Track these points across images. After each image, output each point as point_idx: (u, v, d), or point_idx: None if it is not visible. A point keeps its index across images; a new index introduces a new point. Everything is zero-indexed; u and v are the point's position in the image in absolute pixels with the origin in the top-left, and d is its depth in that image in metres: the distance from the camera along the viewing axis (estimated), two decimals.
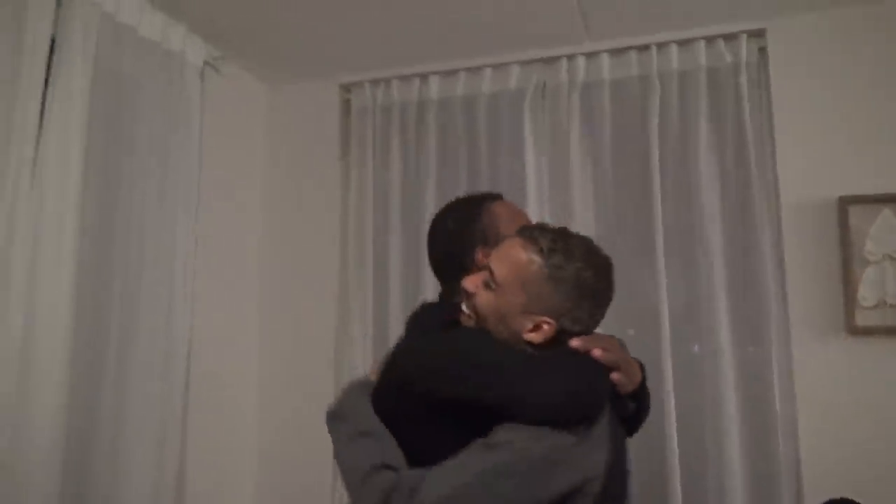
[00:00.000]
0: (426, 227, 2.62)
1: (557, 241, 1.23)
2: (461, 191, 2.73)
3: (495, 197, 1.52)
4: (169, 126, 2.37)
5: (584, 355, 1.18)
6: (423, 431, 1.18)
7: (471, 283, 1.27)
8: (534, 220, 2.45)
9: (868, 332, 2.26)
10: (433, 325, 1.34)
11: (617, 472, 1.17)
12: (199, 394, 2.48)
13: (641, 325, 2.51)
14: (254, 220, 2.96)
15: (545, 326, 1.20)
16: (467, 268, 1.35)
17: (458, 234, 1.43)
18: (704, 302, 2.44)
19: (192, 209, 2.44)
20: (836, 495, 2.03)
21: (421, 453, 1.15)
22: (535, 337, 1.21)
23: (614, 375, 1.20)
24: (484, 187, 2.69)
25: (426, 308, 1.45)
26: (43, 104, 1.93)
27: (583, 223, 2.58)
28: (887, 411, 2.22)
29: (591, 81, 2.67)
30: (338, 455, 1.23)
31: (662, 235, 2.49)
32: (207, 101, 2.62)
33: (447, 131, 2.81)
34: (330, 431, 1.27)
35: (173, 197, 2.37)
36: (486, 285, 1.25)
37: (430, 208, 2.74)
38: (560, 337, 1.21)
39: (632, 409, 1.28)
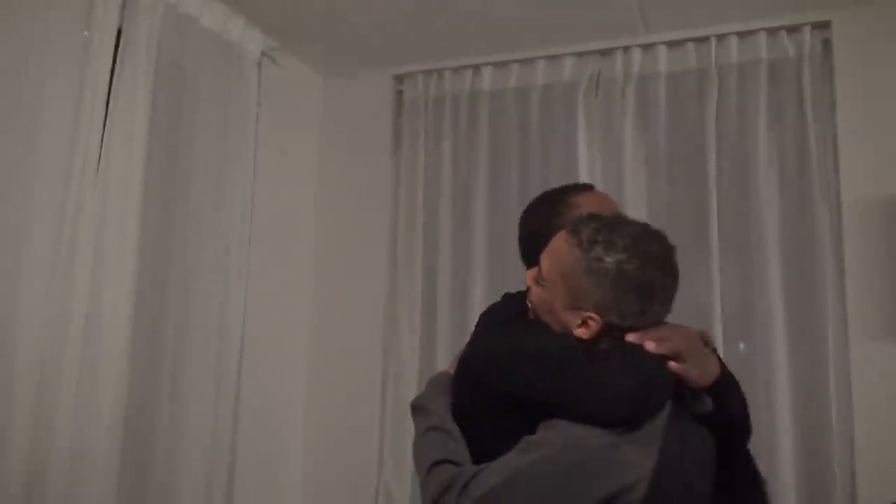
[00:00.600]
0: (476, 220, 2.72)
1: (600, 232, 1.18)
2: (512, 185, 2.73)
3: (583, 188, 1.49)
4: (227, 116, 2.43)
5: (640, 350, 1.14)
6: (488, 427, 1.18)
7: (528, 277, 1.27)
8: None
9: None
10: (503, 317, 1.34)
11: (673, 476, 1.11)
12: (250, 386, 2.52)
13: (693, 323, 2.45)
14: (307, 212, 2.99)
15: (591, 322, 1.18)
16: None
17: (538, 226, 1.41)
18: (758, 300, 2.40)
19: (248, 200, 2.50)
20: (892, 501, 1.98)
21: (487, 449, 1.15)
22: (582, 332, 1.18)
23: (674, 366, 1.14)
24: (535, 181, 2.70)
25: (503, 299, 1.45)
26: (108, 95, 1.99)
27: (635, 212, 2.53)
28: None
29: (646, 74, 2.63)
30: (414, 446, 1.25)
31: (717, 232, 2.45)
32: (264, 92, 2.67)
33: (499, 123, 2.80)
34: (413, 422, 1.30)
35: (230, 187, 2.43)
36: (536, 280, 1.24)
37: (481, 202, 2.75)
38: (615, 332, 1.18)
39: (708, 406, 1.19)
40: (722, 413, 1.20)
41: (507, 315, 1.32)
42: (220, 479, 2.33)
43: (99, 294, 1.92)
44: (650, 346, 1.14)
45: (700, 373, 1.17)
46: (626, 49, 2.64)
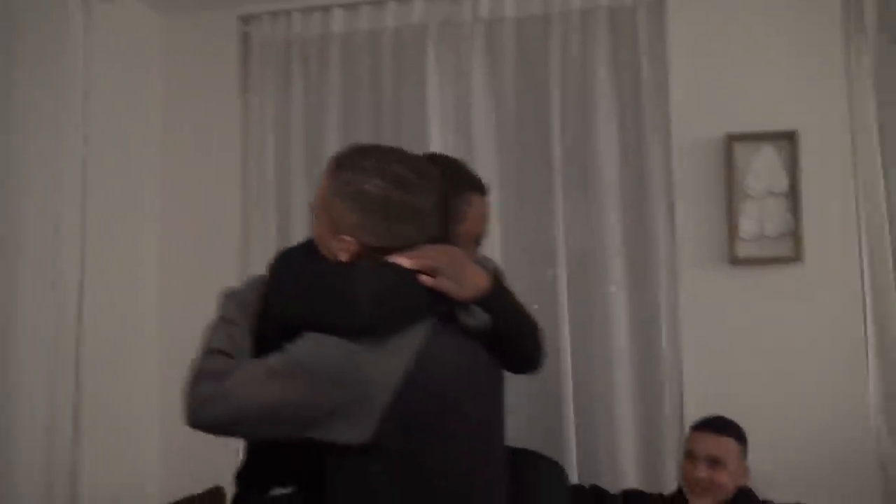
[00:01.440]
0: (321, 166, 2.69)
1: (352, 157, 1.24)
2: (364, 129, 2.72)
3: (481, 189, 1.48)
4: (49, 61, 2.24)
5: (388, 265, 1.20)
6: (273, 348, 1.21)
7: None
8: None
9: (747, 262, 2.41)
10: (294, 252, 1.36)
11: (424, 388, 1.16)
12: (95, 357, 2.41)
13: (541, 264, 2.59)
14: (151, 156, 2.86)
15: (348, 244, 1.22)
16: None
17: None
18: (597, 236, 2.54)
19: (79, 151, 2.35)
20: (706, 410, 2.19)
21: None
22: (343, 256, 1.23)
23: (426, 279, 1.19)
24: (387, 125, 2.71)
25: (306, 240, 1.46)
26: None
27: (484, 161, 2.61)
28: (763, 338, 2.39)
29: (494, 19, 2.67)
30: (207, 327, 1.28)
31: (561, 171, 2.56)
32: (96, 34, 2.49)
33: (351, 67, 2.76)
34: (219, 305, 1.31)
35: (56, 136, 2.26)
36: (314, 213, 1.29)
37: (332, 146, 2.71)
38: (378, 254, 1.22)
39: (480, 318, 1.25)
40: (494, 326, 1.28)
41: (296, 250, 1.35)
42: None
43: None
44: (402, 260, 1.20)
45: (460, 286, 1.23)
46: None
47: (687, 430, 2.17)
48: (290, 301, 1.21)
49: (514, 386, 2.39)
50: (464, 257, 1.28)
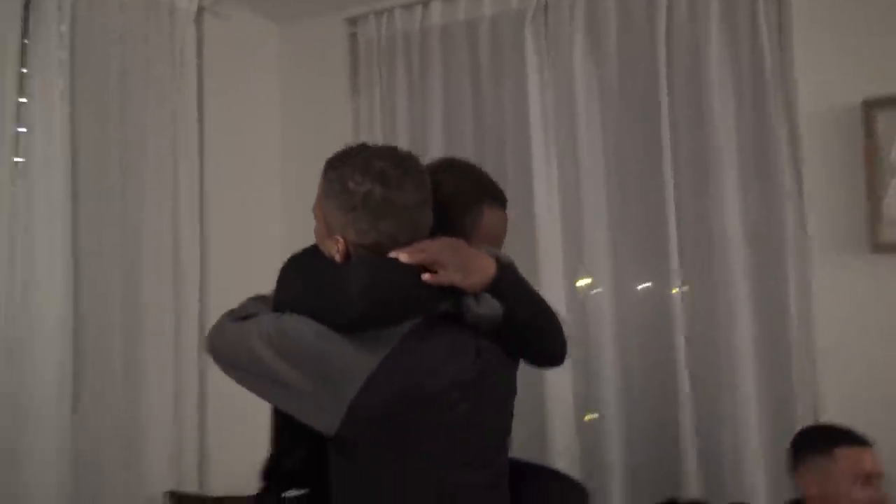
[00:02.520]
0: (433, 155, 2.67)
1: (339, 157, 1.23)
2: (466, 119, 2.68)
3: (499, 201, 1.45)
4: (162, 76, 2.42)
5: (384, 261, 1.18)
6: None
7: None
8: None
9: (892, 248, 2.06)
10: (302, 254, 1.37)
11: (394, 383, 1.15)
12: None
13: (648, 246, 2.39)
14: (274, 159, 3.00)
15: (338, 244, 1.22)
16: None
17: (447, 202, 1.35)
18: (715, 221, 2.29)
19: (194, 158, 2.52)
20: (848, 420, 1.89)
21: None
22: (337, 256, 1.23)
23: (427, 276, 1.16)
24: (488, 115, 2.64)
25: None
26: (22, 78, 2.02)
27: (588, 142, 2.47)
28: None
29: None
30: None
31: (671, 149, 2.34)
32: (213, 47, 2.66)
33: (450, 59, 2.72)
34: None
35: (173, 147, 2.44)
36: (314, 217, 1.29)
37: (436, 141, 2.70)
38: (372, 252, 1.21)
39: (492, 307, 1.20)
40: (507, 312, 1.22)
41: (302, 252, 1.34)
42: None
43: (33, 283, 2.00)
44: (402, 256, 1.18)
45: (465, 274, 1.19)
46: None
47: (835, 448, 1.73)
48: (288, 297, 1.23)
49: (626, 382, 2.32)
50: (467, 246, 1.25)
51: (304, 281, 1.23)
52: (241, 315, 1.24)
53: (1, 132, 1.96)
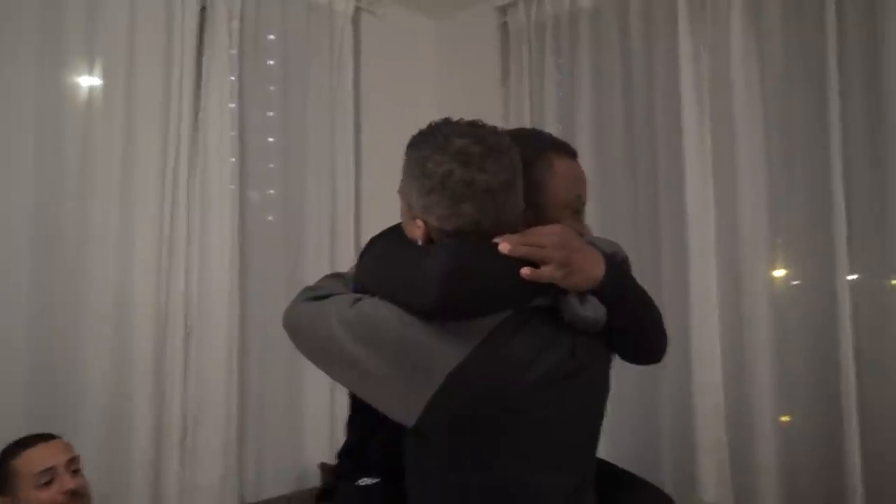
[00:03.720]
0: (581, 139, 2.62)
1: (422, 134, 1.16)
2: (615, 105, 2.60)
3: (565, 150, 1.36)
4: (323, 75, 2.60)
5: (477, 247, 1.11)
6: None
7: None
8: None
9: None
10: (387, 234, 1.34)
11: (480, 378, 1.09)
12: None
13: (812, 235, 2.18)
14: None
15: (418, 227, 1.16)
16: None
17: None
18: (890, 209, 2.05)
19: (350, 156, 2.67)
20: None
21: None
22: (419, 240, 1.17)
23: (525, 270, 1.08)
24: (638, 97, 2.56)
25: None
26: (199, 77, 2.25)
27: (747, 124, 2.29)
28: None
29: None
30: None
31: (840, 135, 2.11)
32: (370, 44, 2.81)
33: (600, 41, 2.66)
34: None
35: (331, 143, 2.61)
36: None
37: (585, 126, 2.65)
38: (459, 236, 1.13)
39: (594, 311, 1.13)
40: (611, 320, 1.15)
41: (386, 233, 1.31)
42: None
43: (206, 265, 2.25)
44: (503, 246, 1.10)
45: (569, 275, 1.11)
46: None
47: None
48: (368, 278, 1.19)
49: (786, 385, 2.14)
50: (576, 240, 1.15)
51: (385, 262, 1.18)
52: (318, 294, 1.21)
53: (179, 123, 2.19)
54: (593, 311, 1.15)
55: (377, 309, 1.12)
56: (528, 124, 2.80)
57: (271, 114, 2.47)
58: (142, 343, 2.12)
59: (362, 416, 1.22)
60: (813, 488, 2.13)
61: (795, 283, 2.23)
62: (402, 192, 1.20)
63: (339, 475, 1.31)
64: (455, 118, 1.19)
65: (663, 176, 2.46)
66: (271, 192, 2.47)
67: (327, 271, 2.51)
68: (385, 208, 2.72)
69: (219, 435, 2.23)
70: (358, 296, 1.17)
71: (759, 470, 2.19)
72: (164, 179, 2.17)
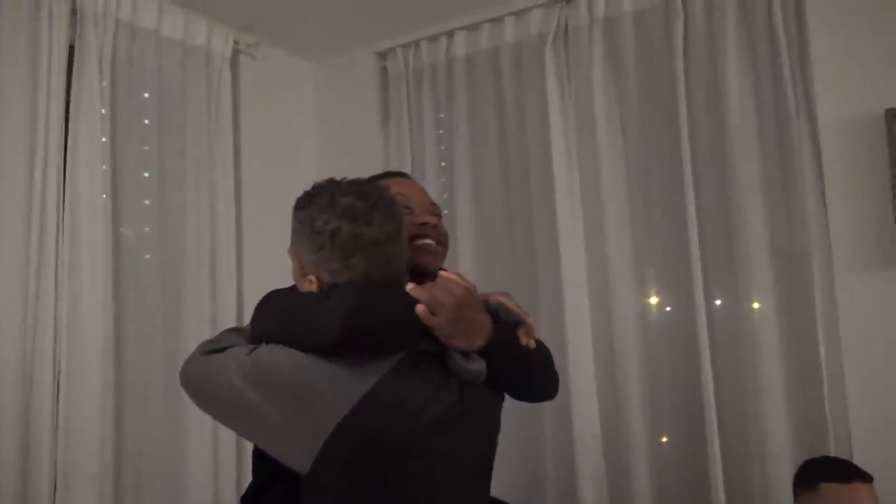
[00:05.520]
0: (460, 185, 2.73)
1: (306, 196, 1.23)
2: (491, 148, 2.73)
3: (391, 174, 1.49)
4: (200, 117, 2.56)
5: (375, 287, 1.17)
6: None
7: None
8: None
9: None
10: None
11: (374, 424, 1.12)
12: None
13: (671, 259, 2.37)
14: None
15: (312, 283, 1.20)
16: None
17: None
18: (739, 238, 2.26)
19: (230, 197, 2.64)
20: (882, 439, 1.83)
21: None
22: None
23: (420, 309, 1.15)
24: (512, 140, 2.69)
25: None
26: (67, 117, 2.17)
27: (611, 164, 2.48)
28: None
29: (612, 16, 2.52)
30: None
31: (693, 169, 2.33)
32: (248, 87, 2.80)
33: (475, 87, 2.79)
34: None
35: (213, 188, 2.57)
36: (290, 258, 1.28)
37: (462, 169, 2.75)
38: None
39: (475, 368, 1.19)
40: (490, 374, 1.22)
41: (284, 288, 1.33)
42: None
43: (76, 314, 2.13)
44: (410, 287, 1.17)
45: (452, 339, 1.18)
46: None
47: (820, 483, 1.69)
48: (265, 326, 1.21)
49: (656, 410, 2.28)
50: (473, 305, 1.21)
51: (285, 308, 1.20)
52: (216, 347, 1.22)
53: (46, 165, 2.09)
54: (477, 363, 1.21)
55: (273, 354, 1.14)
56: (408, 167, 2.88)
57: (147, 148, 2.40)
58: (4, 398, 1.99)
59: (263, 463, 1.22)
60: None
61: (661, 311, 2.40)
62: (293, 251, 1.26)
63: None
64: (338, 177, 1.27)
65: (537, 216, 2.59)
66: (147, 229, 2.39)
67: (207, 312, 2.52)
68: (266, 247, 2.76)
69: (92, 493, 2.11)
70: (255, 346, 1.18)
71: (634, 492, 2.31)
72: (31, 219, 2.06)
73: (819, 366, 2.11)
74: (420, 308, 1.15)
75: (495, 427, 1.32)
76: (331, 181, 1.25)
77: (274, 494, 1.22)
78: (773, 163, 2.26)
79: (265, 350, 1.15)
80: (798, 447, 2.14)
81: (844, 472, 1.70)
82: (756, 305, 2.23)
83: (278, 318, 1.19)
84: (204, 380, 1.20)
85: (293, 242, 1.25)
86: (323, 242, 1.17)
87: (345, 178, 1.26)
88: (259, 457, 1.25)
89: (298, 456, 1.11)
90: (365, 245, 1.17)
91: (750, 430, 2.20)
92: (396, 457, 1.14)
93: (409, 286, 1.17)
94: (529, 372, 1.32)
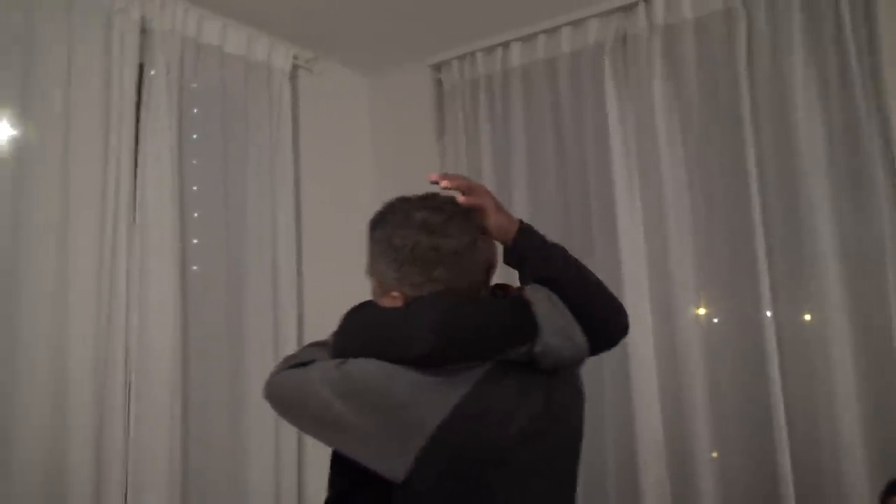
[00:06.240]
0: (516, 196, 2.72)
1: (382, 214, 1.25)
2: (548, 157, 2.73)
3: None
4: (262, 131, 2.61)
5: (459, 297, 1.18)
6: None
7: None
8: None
9: None
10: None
11: (467, 434, 1.12)
12: None
13: (737, 279, 2.32)
14: (366, 208, 3.09)
15: (395, 300, 1.22)
16: None
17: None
18: (808, 250, 2.21)
19: (291, 214, 2.68)
20: None
21: None
22: None
23: (461, 199, 1.22)
24: (570, 152, 2.67)
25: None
26: (137, 132, 2.23)
27: (672, 173, 2.45)
28: None
29: (671, 23, 2.50)
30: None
31: (757, 178, 2.29)
32: (307, 100, 2.85)
33: (531, 98, 2.78)
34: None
35: (274, 200, 2.61)
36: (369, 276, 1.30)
37: (520, 179, 2.75)
38: None
39: (577, 345, 1.20)
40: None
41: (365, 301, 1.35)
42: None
43: (146, 334, 2.18)
44: (438, 179, 1.25)
45: (500, 208, 1.26)
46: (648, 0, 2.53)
47: (889, 498, 1.69)
48: (352, 340, 1.22)
49: (718, 412, 2.24)
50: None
51: (369, 323, 1.21)
52: (299, 361, 1.24)
53: (119, 180, 2.15)
54: (577, 336, 1.20)
55: (363, 367, 1.15)
56: (464, 175, 2.87)
57: (210, 165, 2.45)
58: (79, 407, 2.03)
59: (344, 470, 1.22)
60: None
61: (725, 320, 2.35)
62: (372, 271, 1.28)
63: None
64: (397, 191, 1.30)
65: (597, 226, 2.57)
66: (210, 242, 2.43)
67: (269, 324, 2.55)
68: (325, 260, 2.80)
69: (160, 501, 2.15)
70: (341, 360, 1.18)
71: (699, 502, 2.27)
72: (104, 231, 2.11)
73: (894, 366, 2.05)
74: (461, 198, 1.22)
75: (579, 436, 1.31)
76: (401, 199, 1.28)
77: (359, 501, 1.22)
78: (843, 169, 2.21)
79: (354, 363, 1.16)
80: (874, 464, 2.08)
81: None
82: (826, 314, 2.17)
83: (365, 332, 1.21)
84: (290, 393, 1.22)
85: (371, 263, 1.27)
86: (403, 258, 1.20)
87: (414, 195, 1.28)
88: (339, 465, 1.25)
89: (392, 465, 1.12)
90: (445, 256, 1.20)
91: (823, 446, 2.14)
92: (486, 467, 1.14)
93: (439, 179, 1.25)
94: (578, 277, 1.28)
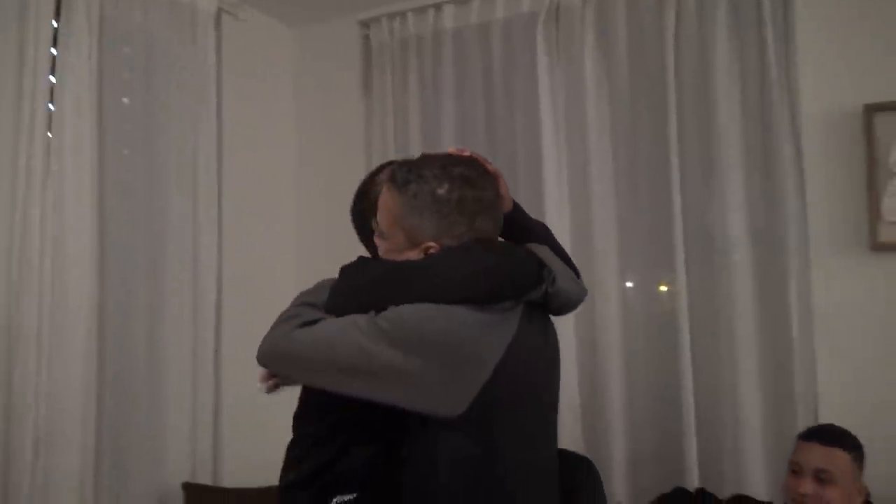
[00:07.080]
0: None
1: (411, 171, 1.27)
2: (478, 121, 2.75)
3: (388, 164, 1.52)
4: (184, 74, 2.49)
5: (496, 244, 1.28)
6: None
7: (377, 241, 1.36)
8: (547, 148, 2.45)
9: (892, 247, 2.14)
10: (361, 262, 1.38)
11: (514, 368, 1.20)
12: (231, 336, 2.65)
13: (654, 245, 2.46)
14: (287, 159, 3.06)
15: (432, 251, 1.26)
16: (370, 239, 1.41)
17: (357, 211, 1.50)
18: (720, 221, 2.36)
19: (213, 156, 2.59)
20: (848, 418, 1.97)
21: None
22: None
23: (490, 167, 1.30)
24: (500, 117, 2.70)
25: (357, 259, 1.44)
26: (53, 66, 2.08)
27: (598, 143, 2.53)
28: None
29: None
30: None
31: (678, 150, 2.41)
32: (230, 48, 2.74)
33: (463, 62, 2.79)
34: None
35: (194, 146, 2.52)
36: (381, 236, 1.32)
37: (448, 141, 2.75)
38: None
39: (580, 291, 1.33)
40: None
41: (363, 258, 1.37)
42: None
43: (62, 272, 2.07)
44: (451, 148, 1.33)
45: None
46: None
47: (798, 440, 1.90)
48: (389, 284, 1.22)
49: (633, 384, 2.38)
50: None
51: (408, 271, 1.22)
52: (305, 320, 1.23)
53: (34, 110, 2.02)
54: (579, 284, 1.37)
55: (419, 311, 1.16)
56: (390, 139, 2.87)
57: (128, 101, 2.34)
58: None
59: (340, 432, 1.24)
60: (657, 474, 2.39)
61: (643, 286, 2.49)
62: (398, 227, 1.27)
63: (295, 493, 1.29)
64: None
65: (523, 194, 2.63)
66: (130, 183, 2.35)
67: (188, 263, 2.47)
68: (244, 204, 2.72)
69: (73, 459, 2.06)
70: (371, 313, 1.18)
71: (610, 461, 2.41)
72: (16, 175, 1.98)
73: (791, 343, 2.24)
74: (490, 167, 1.30)
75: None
76: (427, 156, 1.31)
77: (352, 461, 1.23)
78: (756, 150, 2.35)
79: (404, 309, 1.16)
80: (768, 417, 2.27)
81: (815, 433, 1.86)
82: (733, 286, 2.33)
83: (404, 280, 1.21)
84: (309, 350, 1.20)
85: (400, 218, 1.26)
86: (450, 209, 1.24)
87: (434, 153, 1.33)
88: (336, 428, 1.25)
89: (448, 402, 1.15)
90: (486, 207, 1.27)
91: (724, 403, 2.32)
92: (527, 400, 1.25)
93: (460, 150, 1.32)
94: (565, 253, 1.43)
